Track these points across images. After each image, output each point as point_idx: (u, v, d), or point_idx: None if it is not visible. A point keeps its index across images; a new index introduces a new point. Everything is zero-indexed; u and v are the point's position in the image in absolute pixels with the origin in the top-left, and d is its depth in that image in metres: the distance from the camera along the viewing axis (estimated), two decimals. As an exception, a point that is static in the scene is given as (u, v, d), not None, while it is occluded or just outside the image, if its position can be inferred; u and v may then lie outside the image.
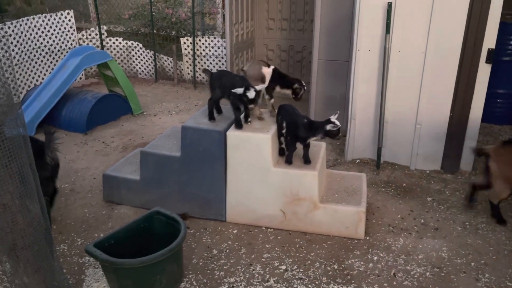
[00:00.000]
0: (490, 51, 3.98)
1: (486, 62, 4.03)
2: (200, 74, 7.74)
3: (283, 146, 3.54)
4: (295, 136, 3.38)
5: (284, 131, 3.43)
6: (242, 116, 3.45)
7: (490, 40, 3.97)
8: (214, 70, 7.59)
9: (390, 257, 3.19)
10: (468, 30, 3.97)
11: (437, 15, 3.99)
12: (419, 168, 4.51)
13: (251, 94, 3.23)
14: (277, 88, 3.75)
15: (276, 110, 3.55)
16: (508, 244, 3.33)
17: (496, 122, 5.71)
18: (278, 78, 3.72)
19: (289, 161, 3.44)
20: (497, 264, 3.11)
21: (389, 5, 4.04)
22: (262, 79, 3.67)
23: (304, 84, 3.73)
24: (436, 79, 4.18)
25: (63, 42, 7.35)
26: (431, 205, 3.88)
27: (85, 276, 2.99)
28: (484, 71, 4.07)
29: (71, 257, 3.19)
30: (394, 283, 2.93)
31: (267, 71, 3.69)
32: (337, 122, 3.25)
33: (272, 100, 3.77)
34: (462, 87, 4.12)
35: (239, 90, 3.26)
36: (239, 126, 3.41)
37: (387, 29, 4.11)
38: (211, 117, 3.57)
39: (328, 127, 3.23)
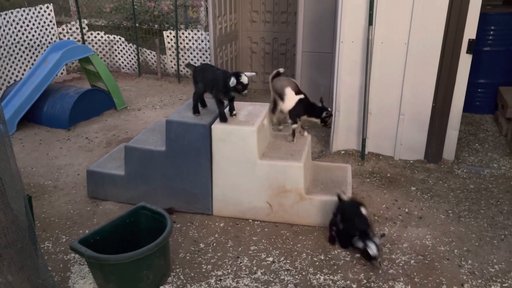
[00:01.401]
0: (470, 42, 4.03)
1: (467, 52, 4.08)
2: (184, 68, 7.68)
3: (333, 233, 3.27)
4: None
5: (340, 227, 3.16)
6: (226, 109, 3.44)
7: (470, 30, 4.01)
8: (198, 64, 7.55)
9: (376, 246, 3.23)
10: (449, 21, 4.01)
11: (419, 6, 4.02)
12: (403, 158, 4.57)
13: (244, 79, 3.20)
14: (305, 117, 3.72)
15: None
16: (490, 231, 3.40)
17: (477, 112, 5.80)
18: (307, 107, 3.67)
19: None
20: (479, 251, 3.18)
21: (372, -4, 4.05)
22: (280, 96, 3.68)
23: (331, 111, 3.72)
24: (419, 70, 4.22)
25: (43, 37, 7.21)
26: (415, 195, 3.94)
27: (70, 273, 2.96)
28: (465, 61, 4.12)
29: (56, 255, 3.16)
30: (379, 271, 2.97)
31: (292, 96, 3.62)
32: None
33: (295, 125, 3.71)
34: (444, 78, 4.17)
35: (233, 82, 3.19)
36: (223, 119, 3.40)
37: (370, 21, 4.13)
38: (196, 111, 3.55)
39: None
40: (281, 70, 3.79)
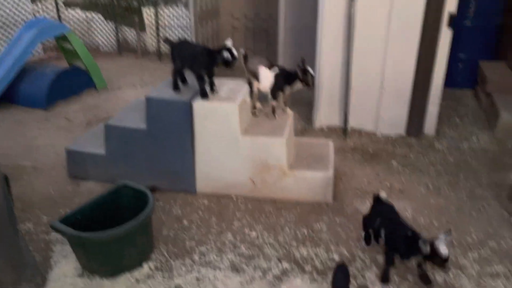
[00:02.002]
0: (451, 16, 4.04)
1: (448, 26, 4.08)
2: (163, 45, 7.53)
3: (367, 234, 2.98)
4: (395, 249, 2.65)
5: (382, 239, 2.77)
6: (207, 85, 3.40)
7: (451, 4, 4.01)
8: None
9: (357, 220, 3.26)
10: (431, -6, 4.00)
11: (401, -21, 4.00)
12: (385, 133, 4.61)
13: (235, 52, 3.19)
14: (288, 89, 3.54)
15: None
16: (469, 203, 3.48)
17: (458, 86, 5.85)
18: (285, 77, 3.48)
19: (386, 279, 2.68)
20: (458, 222, 3.25)
21: (353, -31, 4.00)
22: (255, 77, 3.57)
23: (310, 71, 3.42)
24: (400, 45, 4.22)
25: (17, 15, 6.96)
26: (396, 169, 3.99)
27: (52, 253, 2.93)
28: (445, 36, 4.13)
29: (37, 235, 3.12)
30: (362, 243, 3.01)
31: (265, 74, 3.50)
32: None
33: (275, 102, 3.59)
34: (425, 52, 4.18)
35: (228, 56, 3.16)
36: (204, 95, 3.36)
37: (352, -5, 4.09)
38: (176, 87, 3.49)
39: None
40: (242, 51, 3.67)
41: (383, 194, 2.90)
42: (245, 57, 3.62)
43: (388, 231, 2.69)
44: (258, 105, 3.76)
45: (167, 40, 3.63)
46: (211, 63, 3.30)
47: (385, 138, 4.55)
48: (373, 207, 2.92)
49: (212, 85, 3.42)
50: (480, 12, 5.53)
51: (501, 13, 5.65)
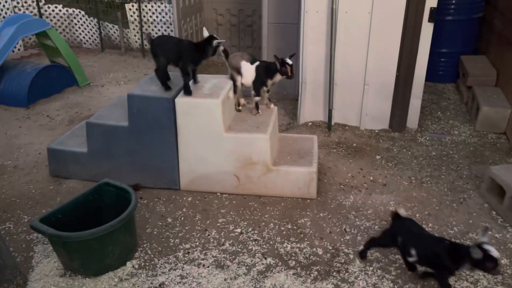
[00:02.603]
0: (432, 10, 4.07)
1: (429, 21, 4.12)
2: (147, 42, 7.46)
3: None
4: (441, 265, 2.42)
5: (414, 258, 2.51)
6: (191, 82, 3.39)
7: (432, -1, 4.05)
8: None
9: (341, 214, 3.30)
10: (412, -11, 4.02)
11: (382, -26, 4.01)
12: (368, 128, 4.64)
13: (224, 44, 3.35)
14: (270, 81, 3.54)
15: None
16: (450, 195, 3.53)
17: (440, 81, 5.92)
18: (266, 71, 3.50)
19: None
20: (439, 214, 3.30)
21: (335, -36, 4.01)
22: (238, 71, 3.55)
23: (289, 62, 3.43)
24: (382, 40, 4.24)
25: (-5, 11, 6.82)
26: (380, 163, 4.02)
27: (33, 253, 2.89)
28: (427, 30, 4.17)
29: (17, 235, 3.07)
30: (345, 237, 3.04)
31: (247, 68, 3.51)
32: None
33: (258, 98, 3.60)
34: (407, 47, 4.21)
35: (221, 48, 3.30)
36: (188, 92, 3.34)
37: (334, -10, 4.10)
38: (167, 87, 3.41)
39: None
40: (222, 47, 3.55)
41: (402, 211, 2.65)
42: (225, 52, 3.59)
43: (420, 248, 2.45)
44: (242, 100, 3.76)
45: (148, 36, 3.60)
46: (199, 57, 3.30)
47: (369, 133, 4.58)
48: (393, 225, 2.67)
49: (195, 78, 3.43)
50: (461, 6, 5.58)
51: (481, 7, 5.72)
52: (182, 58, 3.30)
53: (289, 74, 3.43)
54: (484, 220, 3.22)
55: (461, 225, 3.16)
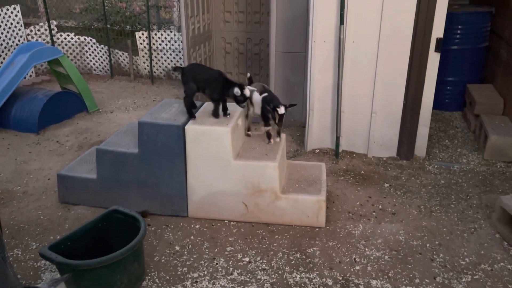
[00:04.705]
0: (438, 40, 4.13)
1: (435, 51, 4.18)
2: (157, 69, 7.60)
3: None
4: None
5: None
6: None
7: (438, 29, 4.11)
8: (172, 65, 7.48)
9: (350, 243, 3.27)
10: (418, 20, 4.09)
11: (388, 5, 4.09)
12: (376, 155, 4.64)
13: (246, 92, 3.29)
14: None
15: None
16: (460, 225, 3.49)
17: (447, 109, 5.95)
18: (270, 101, 3.47)
19: None
20: (450, 244, 3.25)
21: (342, -4, 4.10)
22: (251, 102, 3.63)
23: (275, 106, 3.39)
24: (389, 69, 4.29)
25: (9, 39, 7.01)
26: (388, 191, 4.00)
27: (41, 281, 2.87)
28: (433, 60, 4.22)
29: (25, 262, 3.06)
30: (355, 268, 3.00)
31: (257, 99, 3.55)
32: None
33: (267, 128, 3.60)
34: (414, 76, 4.26)
35: (237, 92, 3.25)
36: (215, 115, 3.42)
37: (341, 20, 4.18)
38: (191, 115, 3.44)
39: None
40: (248, 75, 3.86)
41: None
42: (250, 80, 3.77)
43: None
44: (249, 132, 3.81)
45: (177, 68, 3.72)
46: (223, 92, 3.35)
47: (377, 160, 4.58)
48: None
49: (225, 109, 3.46)
50: (467, 35, 5.66)
51: (486, 36, 5.79)
52: (208, 87, 3.37)
53: (276, 121, 3.43)
54: (496, 250, 3.17)
55: (473, 256, 3.12)
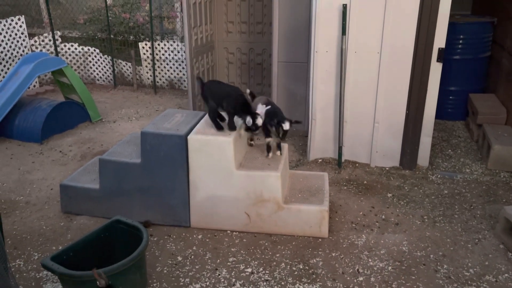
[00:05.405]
0: (440, 50, 4.14)
1: (437, 61, 4.18)
2: (160, 79, 7.63)
3: None
4: None
5: None
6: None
7: (440, 39, 4.12)
8: (175, 75, 7.52)
9: (353, 254, 3.25)
10: (419, 30, 4.11)
11: (390, 16, 4.11)
12: (379, 165, 4.63)
13: (259, 121, 3.26)
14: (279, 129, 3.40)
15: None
16: (464, 235, 3.46)
17: (449, 118, 5.94)
18: (272, 116, 3.43)
19: None
20: (454, 255, 3.23)
21: (344, 7, 4.13)
22: None
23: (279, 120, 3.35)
24: (392, 79, 4.30)
25: (14, 49, 7.06)
26: (391, 201, 3.99)
27: (43, 292, 2.87)
28: (435, 70, 4.23)
29: (27, 273, 3.05)
30: (358, 279, 2.98)
31: (259, 110, 3.51)
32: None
33: (268, 139, 3.57)
34: (416, 86, 4.27)
35: (249, 122, 3.23)
36: (232, 128, 3.41)
37: (343, 31, 4.20)
38: (219, 127, 3.44)
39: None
40: (248, 91, 3.83)
41: None
42: (252, 95, 3.77)
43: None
44: (251, 141, 3.81)
45: (198, 78, 3.76)
46: (236, 110, 3.34)
47: (380, 170, 4.57)
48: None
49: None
50: (468, 45, 5.68)
51: (488, 46, 5.81)
52: (225, 102, 3.41)
53: (279, 135, 3.39)
54: (500, 261, 3.15)
55: (477, 267, 3.09)
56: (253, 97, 3.75)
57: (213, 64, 6.73)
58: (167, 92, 7.53)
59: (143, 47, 7.49)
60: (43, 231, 3.55)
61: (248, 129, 3.33)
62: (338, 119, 4.52)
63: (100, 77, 7.99)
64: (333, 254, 3.24)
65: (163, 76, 7.64)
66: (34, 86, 7.45)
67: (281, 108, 3.59)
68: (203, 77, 6.25)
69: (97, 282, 2.37)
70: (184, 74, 7.47)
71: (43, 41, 7.66)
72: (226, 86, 3.61)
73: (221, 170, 3.39)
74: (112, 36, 7.68)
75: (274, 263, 3.15)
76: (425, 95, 4.30)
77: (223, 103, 3.42)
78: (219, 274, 3.04)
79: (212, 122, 3.48)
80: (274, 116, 3.41)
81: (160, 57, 7.47)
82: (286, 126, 3.33)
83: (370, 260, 3.17)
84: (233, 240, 3.43)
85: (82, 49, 7.86)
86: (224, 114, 3.53)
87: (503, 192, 4.11)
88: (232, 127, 3.41)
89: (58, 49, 7.77)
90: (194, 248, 3.33)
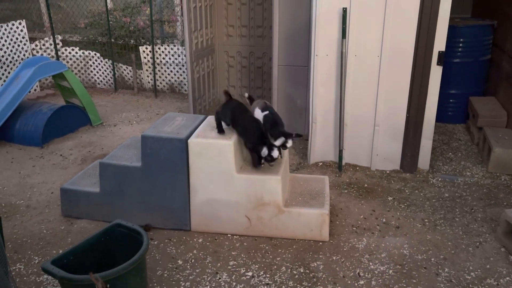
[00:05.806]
0: (440, 54, 4.15)
1: (437, 64, 4.19)
2: (161, 83, 7.65)
3: None
4: None
5: None
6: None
7: (440, 43, 4.13)
8: (175, 78, 7.53)
9: (354, 257, 3.24)
10: (419, 34, 4.12)
11: (390, 19, 4.12)
12: (380, 168, 4.62)
13: (275, 153, 3.24)
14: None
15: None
16: (465, 239, 3.46)
17: (450, 121, 5.94)
18: (271, 124, 3.36)
19: None
20: (455, 258, 3.22)
21: (344, 10, 4.14)
22: None
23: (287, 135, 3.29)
24: (392, 82, 4.31)
25: (15, 53, 7.08)
26: (392, 204, 3.98)
27: (43, 296, 2.86)
28: (436, 73, 4.23)
29: (28, 277, 3.05)
30: (359, 282, 2.97)
31: (259, 115, 3.44)
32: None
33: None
34: (416, 89, 4.27)
35: (264, 153, 3.22)
36: (257, 165, 3.41)
37: (343, 34, 4.21)
38: (220, 130, 3.44)
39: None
40: (246, 94, 3.83)
41: None
42: (250, 99, 3.74)
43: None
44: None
45: (226, 93, 3.60)
46: (260, 144, 3.30)
47: (380, 173, 4.56)
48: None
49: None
50: (469, 48, 5.68)
51: (488, 49, 5.81)
52: (243, 137, 3.42)
53: (283, 147, 3.35)
54: (501, 265, 3.14)
55: (478, 270, 3.08)
56: (251, 101, 3.71)
57: (214, 68, 6.75)
58: (168, 95, 7.54)
59: (144, 51, 7.51)
60: (44, 235, 3.55)
61: (264, 159, 3.31)
62: (339, 122, 4.52)
63: (101, 81, 8.01)
64: (334, 258, 3.23)
65: (163, 80, 7.65)
66: (35, 90, 7.46)
67: (282, 112, 3.61)
68: (203, 82, 6.26)
69: (96, 287, 2.37)
70: (184, 78, 7.48)
71: (44, 45, 7.68)
72: (244, 118, 3.45)
73: (221, 173, 3.38)
74: (112, 40, 7.70)
75: (275, 266, 3.15)
76: (426, 98, 4.30)
77: (241, 137, 3.42)
78: (219, 278, 3.03)
79: (216, 124, 3.48)
80: (273, 125, 3.34)
81: (161, 61, 7.48)
82: (290, 143, 3.32)
83: (371, 263, 3.17)
84: (233, 243, 3.42)
85: (83, 53, 7.88)
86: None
87: (504, 195, 4.10)
88: (256, 164, 3.40)
89: (59, 53, 7.79)
90: (195, 251, 3.33)
